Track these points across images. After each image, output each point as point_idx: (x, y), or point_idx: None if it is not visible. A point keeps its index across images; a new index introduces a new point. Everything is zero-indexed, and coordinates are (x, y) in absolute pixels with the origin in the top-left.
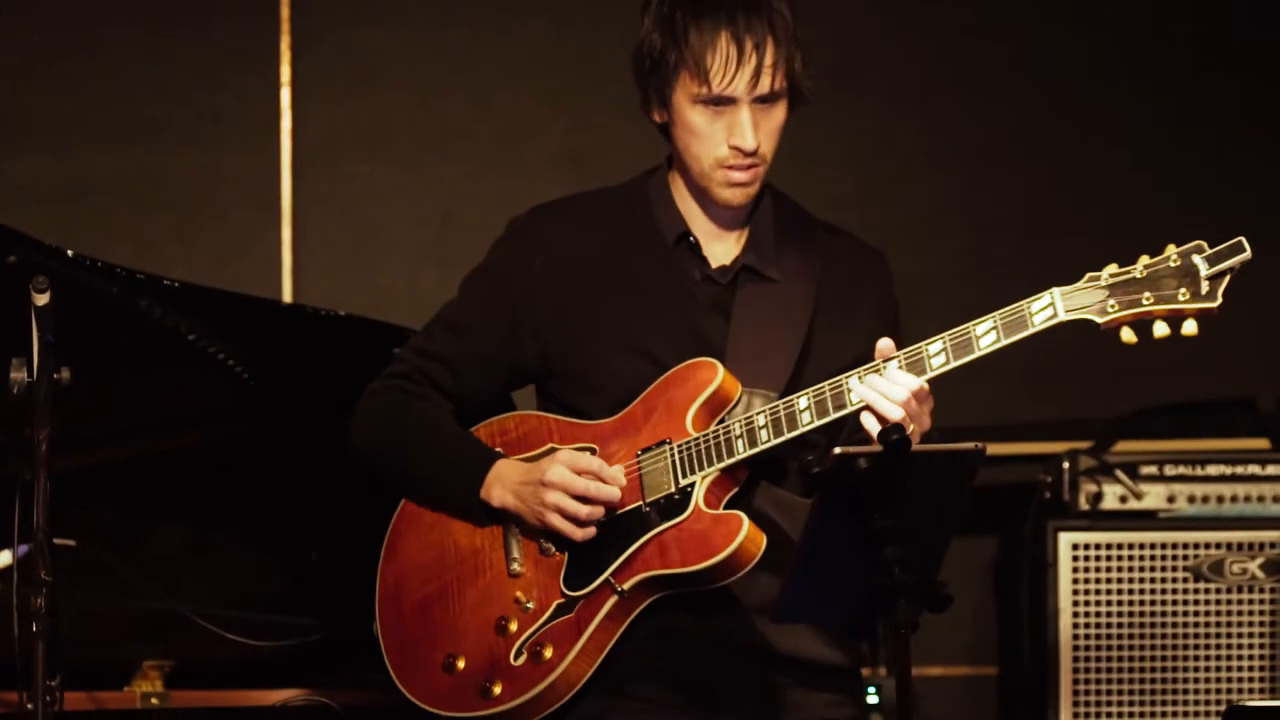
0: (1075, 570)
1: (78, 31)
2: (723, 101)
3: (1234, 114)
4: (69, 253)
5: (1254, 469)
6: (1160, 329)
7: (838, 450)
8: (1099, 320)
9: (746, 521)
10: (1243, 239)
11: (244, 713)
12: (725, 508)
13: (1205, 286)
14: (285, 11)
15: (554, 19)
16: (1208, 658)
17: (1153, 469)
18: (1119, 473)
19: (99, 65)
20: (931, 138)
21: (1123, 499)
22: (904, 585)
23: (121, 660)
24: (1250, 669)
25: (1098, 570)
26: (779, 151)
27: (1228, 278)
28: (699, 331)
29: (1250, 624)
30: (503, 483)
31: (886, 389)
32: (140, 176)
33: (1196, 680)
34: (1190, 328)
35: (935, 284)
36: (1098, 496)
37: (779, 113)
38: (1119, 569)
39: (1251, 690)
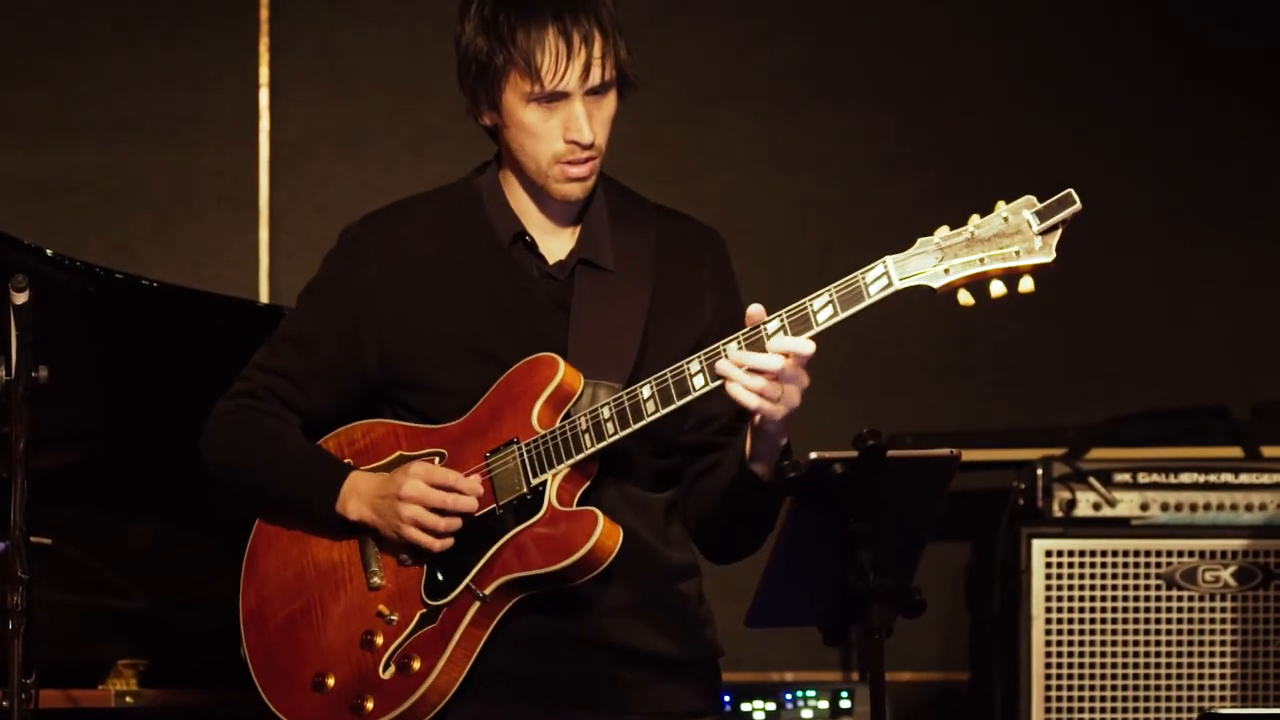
0: (1048, 577)
1: (57, 29)
2: (555, 98)
3: (1216, 120)
4: (47, 251)
5: (1227, 477)
6: (997, 288)
7: (813, 455)
8: (935, 285)
9: (601, 517)
10: (1072, 191)
11: (218, 712)
12: (578, 504)
13: (1039, 242)
14: (264, 12)
15: None
16: (1180, 665)
17: (1126, 476)
18: (1092, 480)
19: (78, 63)
20: (910, 143)
21: (1096, 506)
22: (878, 590)
23: (97, 658)
24: (1222, 677)
25: (1071, 577)
26: (760, 158)
27: (1060, 231)
28: (540, 329)
29: (1222, 632)
30: (359, 496)
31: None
32: (119, 175)
33: (1168, 688)
34: (1027, 285)
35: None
36: (1071, 503)
37: (610, 103)
38: (1092, 576)
39: (1223, 698)
